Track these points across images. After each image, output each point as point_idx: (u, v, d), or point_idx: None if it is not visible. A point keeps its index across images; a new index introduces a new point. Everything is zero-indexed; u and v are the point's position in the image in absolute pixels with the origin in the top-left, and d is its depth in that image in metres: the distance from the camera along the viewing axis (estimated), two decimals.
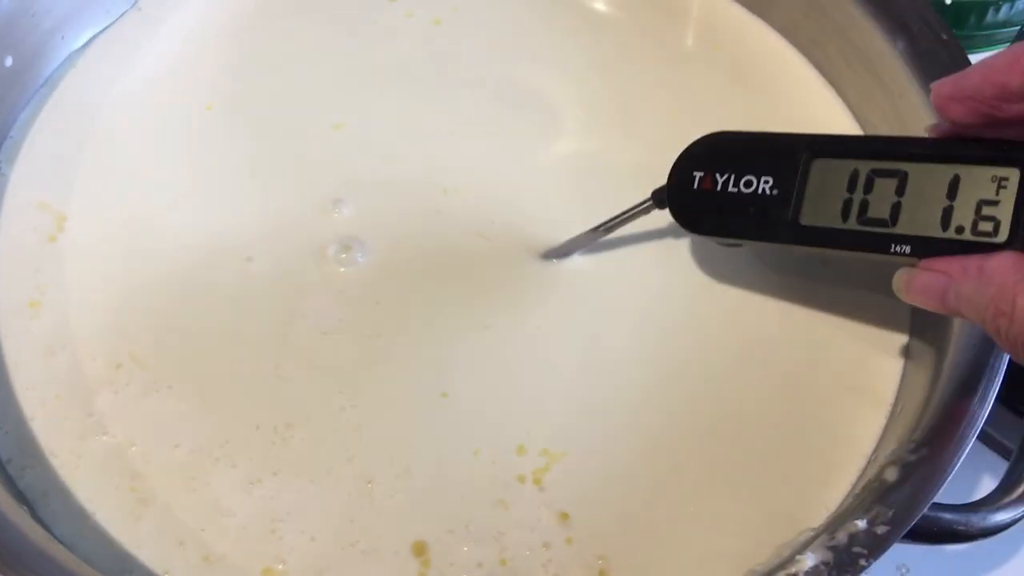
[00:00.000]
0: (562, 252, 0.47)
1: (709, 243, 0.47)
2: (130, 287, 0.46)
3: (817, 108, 0.53)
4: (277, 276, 0.46)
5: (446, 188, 0.49)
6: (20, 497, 0.40)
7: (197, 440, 0.42)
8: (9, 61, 0.48)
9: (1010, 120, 0.35)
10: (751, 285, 0.47)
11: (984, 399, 0.39)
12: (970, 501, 0.40)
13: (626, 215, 0.45)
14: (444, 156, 0.50)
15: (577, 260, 0.48)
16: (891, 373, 0.45)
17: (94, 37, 0.53)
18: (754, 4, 0.56)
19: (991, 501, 0.40)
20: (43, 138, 0.50)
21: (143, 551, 0.40)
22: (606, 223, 0.46)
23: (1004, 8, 0.59)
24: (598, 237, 0.47)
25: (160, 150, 0.50)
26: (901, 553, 0.38)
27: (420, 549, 0.41)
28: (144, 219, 0.48)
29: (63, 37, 0.52)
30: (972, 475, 0.50)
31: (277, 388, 0.44)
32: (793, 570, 0.37)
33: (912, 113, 0.48)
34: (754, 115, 0.53)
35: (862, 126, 0.53)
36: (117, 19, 0.54)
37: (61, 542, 0.39)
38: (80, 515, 0.40)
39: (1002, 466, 0.43)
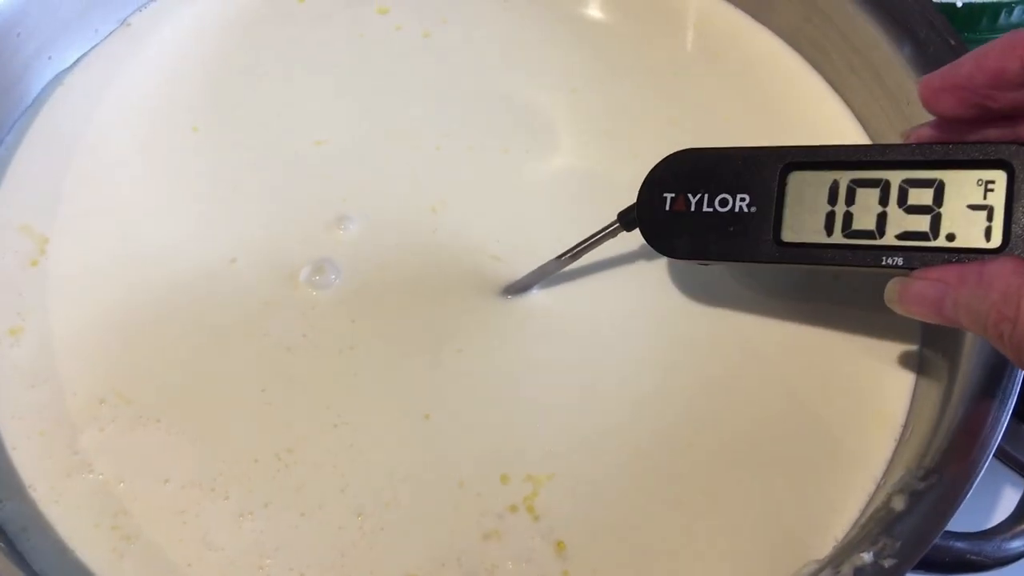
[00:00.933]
0: (523, 285, 0.45)
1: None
2: (113, 312, 0.45)
3: (821, 115, 0.52)
4: (261, 298, 0.45)
5: (434, 206, 0.48)
6: None
7: (187, 473, 0.41)
8: None
9: (1002, 110, 0.34)
10: (752, 300, 0.46)
11: (997, 423, 0.38)
12: (984, 529, 0.38)
13: (592, 240, 0.43)
14: (433, 173, 0.49)
15: (542, 291, 0.46)
16: (901, 392, 0.44)
17: (81, 57, 0.52)
18: (754, 8, 0.55)
19: (1006, 528, 0.38)
20: (28, 159, 0.49)
21: None
22: (570, 250, 0.44)
23: (1017, 10, 0.57)
24: (563, 266, 0.44)
25: (145, 172, 0.49)
26: None
27: None
28: (126, 242, 0.47)
29: (50, 57, 0.51)
30: (988, 494, 0.48)
31: (267, 412, 0.43)
32: None
33: (920, 120, 0.46)
34: (756, 123, 0.51)
35: (868, 133, 0.51)
36: (105, 38, 0.53)
37: None
38: (60, 551, 0.39)
39: (1019, 484, 0.41)
